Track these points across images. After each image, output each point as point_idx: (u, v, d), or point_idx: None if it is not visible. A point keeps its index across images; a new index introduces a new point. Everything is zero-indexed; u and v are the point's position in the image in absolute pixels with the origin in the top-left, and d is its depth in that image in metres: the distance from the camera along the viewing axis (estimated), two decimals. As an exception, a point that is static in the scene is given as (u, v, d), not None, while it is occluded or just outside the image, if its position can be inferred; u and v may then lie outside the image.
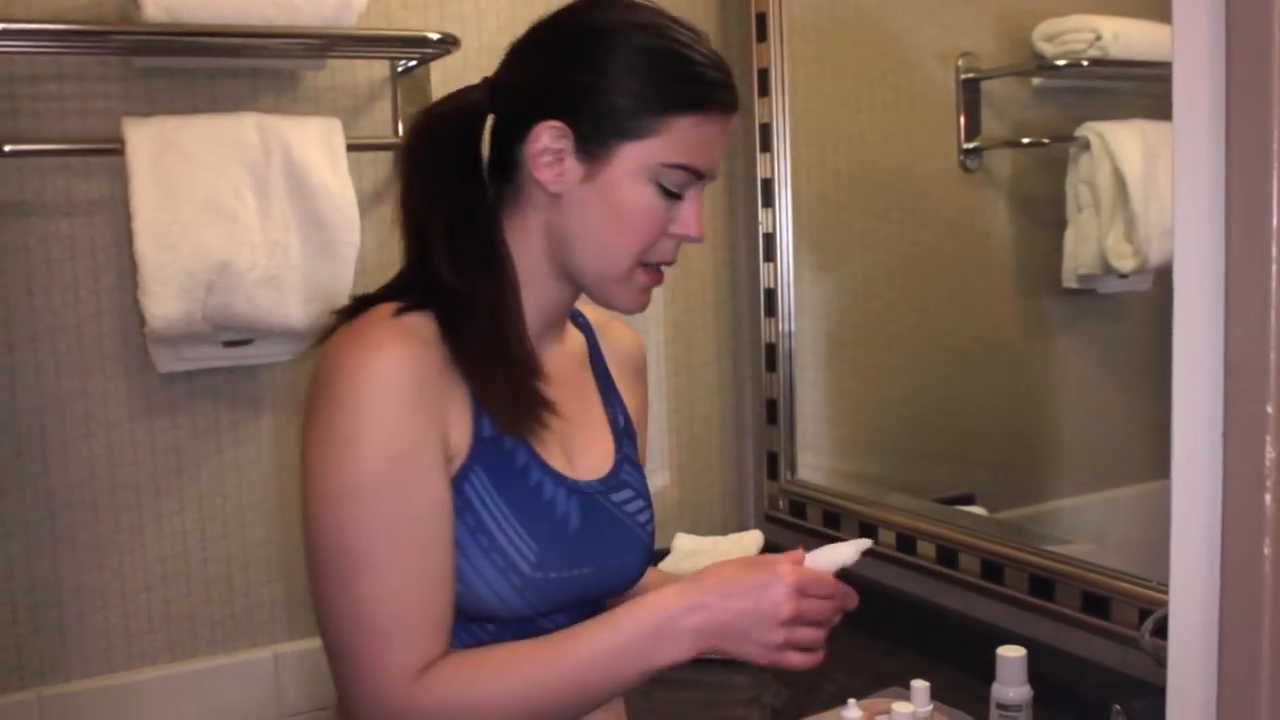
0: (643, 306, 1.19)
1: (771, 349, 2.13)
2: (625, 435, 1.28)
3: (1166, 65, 1.65)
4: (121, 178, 1.69)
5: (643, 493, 1.26)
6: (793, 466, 2.12)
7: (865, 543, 1.17)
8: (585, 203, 1.12)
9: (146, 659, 1.83)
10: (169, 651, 1.84)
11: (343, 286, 1.74)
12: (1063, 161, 1.71)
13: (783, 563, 1.09)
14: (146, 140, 1.66)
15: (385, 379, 1.03)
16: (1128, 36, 1.63)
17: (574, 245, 1.13)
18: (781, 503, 2.13)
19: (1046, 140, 1.80)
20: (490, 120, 1.17)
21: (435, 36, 1.80)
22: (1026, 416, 1.84)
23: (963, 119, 1.84)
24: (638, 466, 1.29)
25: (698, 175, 1.13)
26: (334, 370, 1.05)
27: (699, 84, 1.12)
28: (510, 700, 1.04)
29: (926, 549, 1.80)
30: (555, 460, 1.16)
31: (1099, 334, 1.80)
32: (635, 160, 1.10)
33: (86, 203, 1.75)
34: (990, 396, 1.90)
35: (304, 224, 1.72)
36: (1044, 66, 1.74)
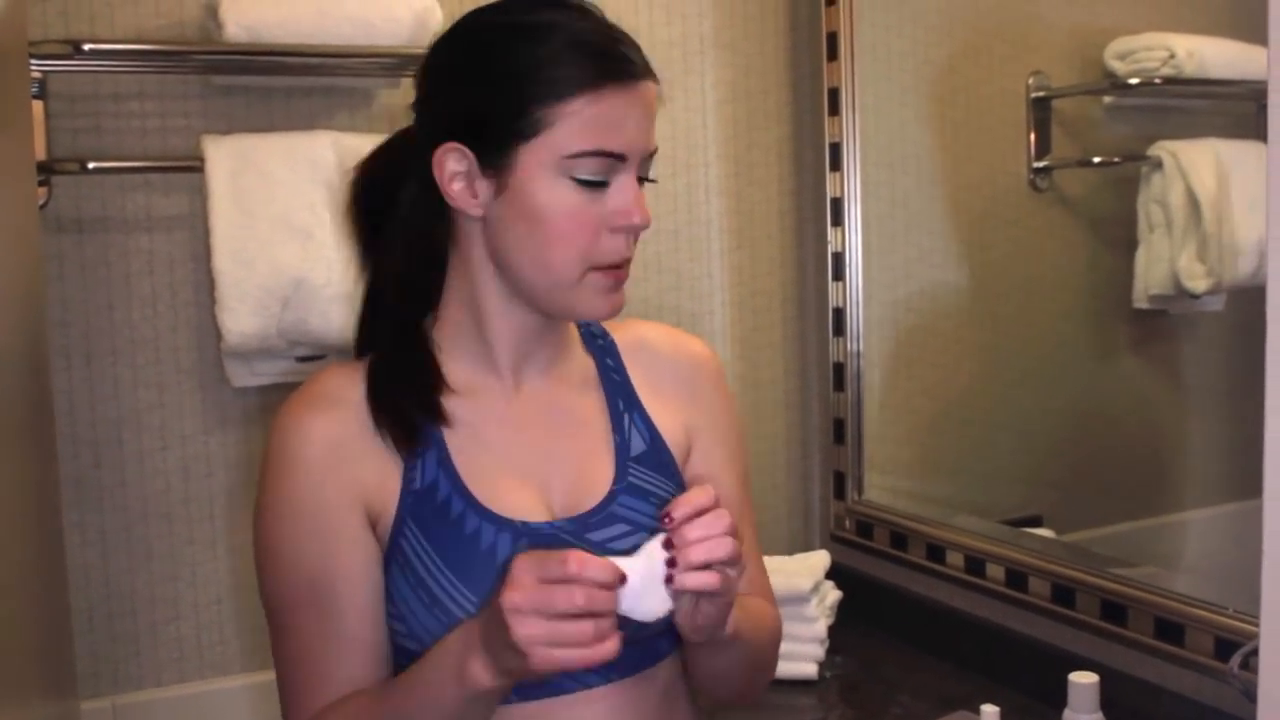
0: (616, 309, 1.11)
1: (840, 368, 2.12)
2: (641, 461, 1.17)
3: (1241, 84, 1.64)
4: (200, 194, 1.73)
5: (646, 525, 1.12)
6: (860, 486, 2.11)
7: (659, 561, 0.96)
8: (506, 219, 1.06)
9: (218, 670, 1.85)
10: (240, 663, 1.87)
11: (415, 303, 1.75)
12: (1134, 181, 1.69)
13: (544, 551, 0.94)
14: (225, 158, 1.69)
15: (291, 449, 1.07)
16: (1202, 54, 1.62)
17: (513, 264, 1.08)
18: (848, 523, 2.12)
19: (1118, 159, 1.78)
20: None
21: (508, 56, 1.82)
22: (1095, 438, 1.82)
23: (1033, 137, 1.83)
24: (648, 496, 1.15)
25: (615, 157, 1.05)
26: (267, 440, 1.11)
27: (575, 62, 1.03)
28: None
29: (995, 571, 1.79)
30: (510, 504, 1.09)
31: (1170, 355, 1.78)
32: (537, 160, 1.03)
33: (166, 219, 1.78)
34: (1059, 417, 1.88)
35: (378, 241, 1.74)
36: (1116, 85, 1.72)
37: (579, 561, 0.90)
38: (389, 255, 1.14)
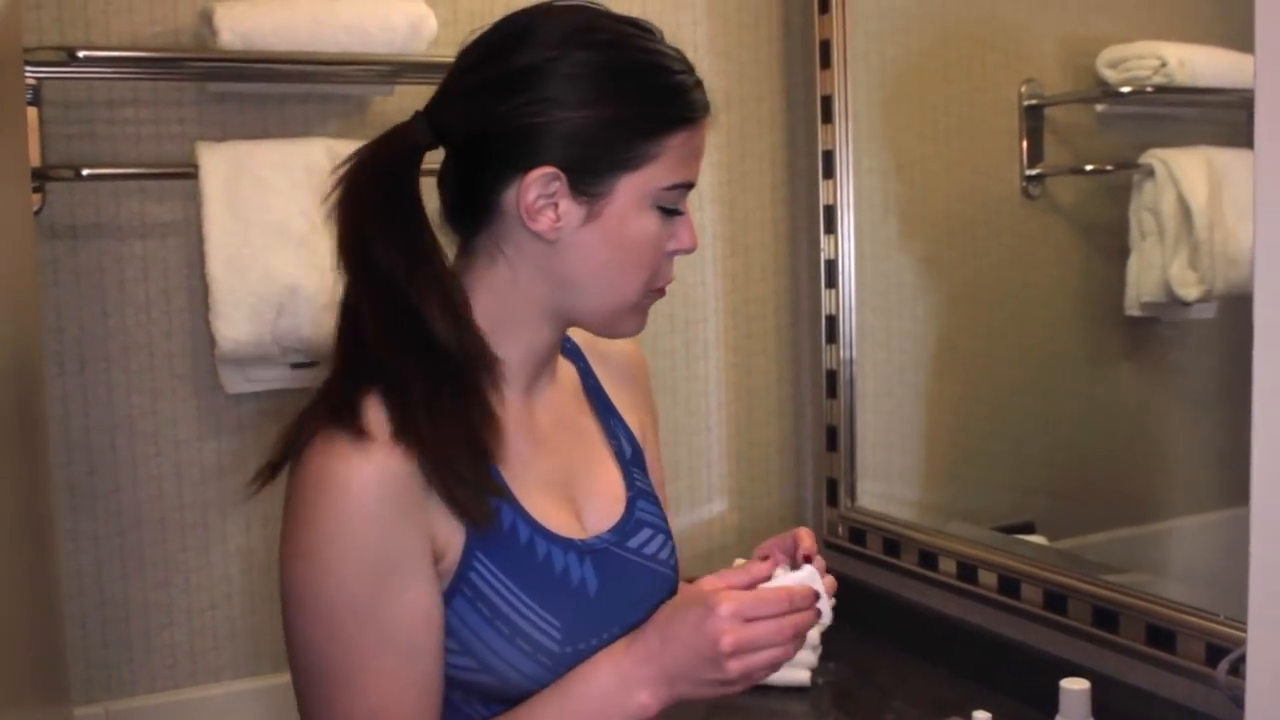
0: (644, 326, 1.13)
1: (832, 375, 2.13)
2: (634, 464, 1.22)
3: (1233, 92, 1.65)
4: (194, 201, 1.73)
5: (661, 526, 1.19)
6: (853, 493, 2.11)
7: (821, 581, 1.08)
8: (587, 244, 1.05)
9: (211, 676, 1.85)
10: (233, 669, 1.87)
11: (409, 310, 1.75)
12: (1126, 189, 1.70)
13: (720, 591, 1.02)
14: (219, 165, 1.70)
15: (353, 499, 0.97)
16: (1193, 63, 1.62)
17: (579, 286, 1.07)
18: (841, 529, 2.12)
19: (1110, 167, 1.79)
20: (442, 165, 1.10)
21: (502, 64, 1.82)
22: (1087, 445, 1.83)
23: (1025, 145, 1.84)
24: (651, 497, 1.21)
25: (691, 187, 1.08)
26: (306, 482, 0.99)
27: (684, 96, 1.05)
28: None
29: (988, 578, 1.79)
30: (560, 523, 1.09)
31: (1162, 362, 1.79)
32: (637, 189, 1.04)
33: (160, 225, 1.78)
34: (1051, 424, 1.89)
35: (372, 248, 1.75)
36: (1108, 93, 1.73)
37: (788, 597, 1.01)
38: (401, 263, 1.04)
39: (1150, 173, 1.65)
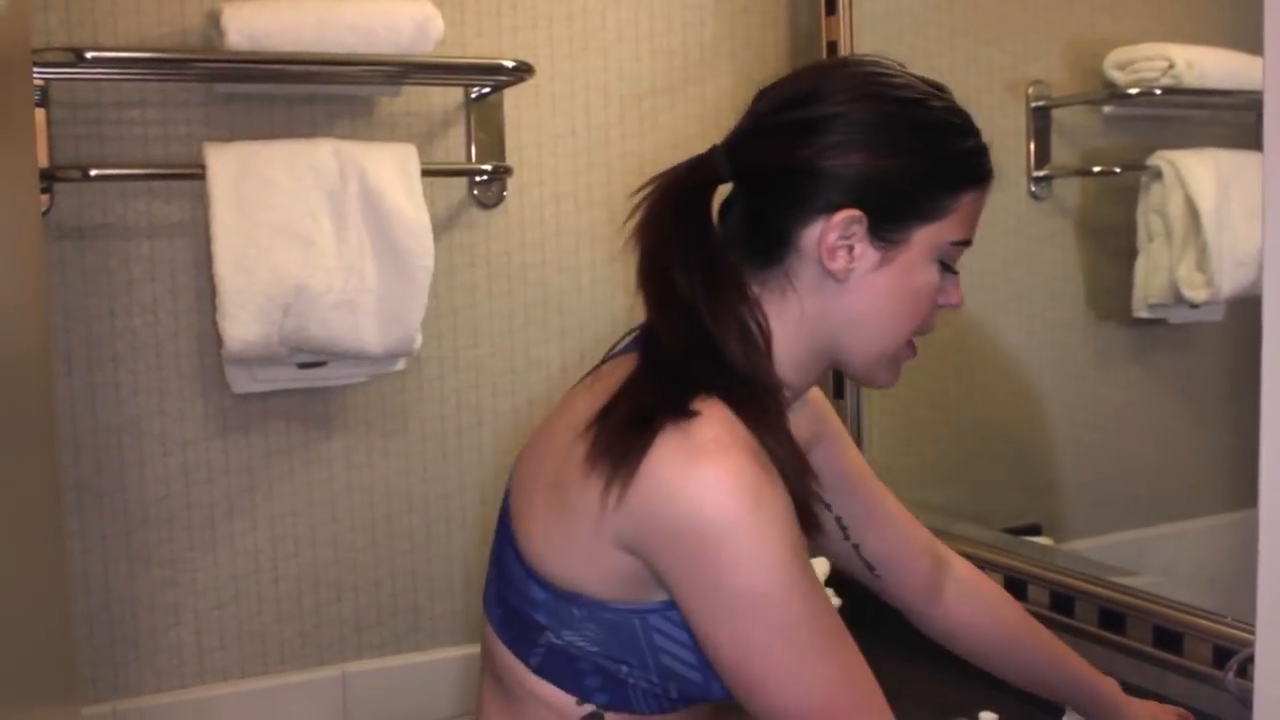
0: (897, 380, 1.16)
1: (840, 376, 2.12)
2: None
3: (1241, 94, 1.65)
4: (202, 202, 1.73)
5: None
6: (858, 494, 2.11)
7: None
8: (875, 288, 1.08)
9: (218, 675, 1.86)
10: (239, 668, 1.87)
11: (417, 310, 1.76)
12: (1134, 190, 1.70)
13: None
14: (227, 165, 1.70)
15: (769, 495, 0.98)
16: (1201, 65, 1.62)
17: (853, 329, 1.10)
18: (847, 530, 2.12)
19: (1117, 169, 1.79)
20: (735, 196, 1.13)
21: (510, 64, 1.82)
22: (1094, 446, 1.83)
23: (1033, 147, 1.83)
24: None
25: (969, 245, 1.12)
26: (719, 520, 0.97)
27: (983, 156, 1.10)
28: None
29: (994, 579, 1.78)
30: None
31: (1169, 364, 1.78)
32: (929, 242, 1.07)
33: (167, 226, 1.79)
34: (1058, 426, 1.88)
35: (379, 248, 1.75)
36: (1116, 95, 1.73)
37: None
38: (700, 290, 1.07)
39: (1158, 174, 1.65)
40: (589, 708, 1.08)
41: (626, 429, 1.00)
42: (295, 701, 1.89)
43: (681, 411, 0.99)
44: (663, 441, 0.98)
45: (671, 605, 1.04)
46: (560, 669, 1.08)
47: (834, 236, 1.06)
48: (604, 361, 1.17)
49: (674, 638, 1.06)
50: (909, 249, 1.07)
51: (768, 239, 1.10)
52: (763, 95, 1.14)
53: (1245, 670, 1.19)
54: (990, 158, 1.11)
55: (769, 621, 0.99)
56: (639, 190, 1.12)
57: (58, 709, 1.40)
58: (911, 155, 1.06)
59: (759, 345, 1.08)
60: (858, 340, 1.11)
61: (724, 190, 1.15)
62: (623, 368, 1.09)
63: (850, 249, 1.06)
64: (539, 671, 1.09)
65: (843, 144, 1.06)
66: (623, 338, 1.18)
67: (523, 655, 1.10)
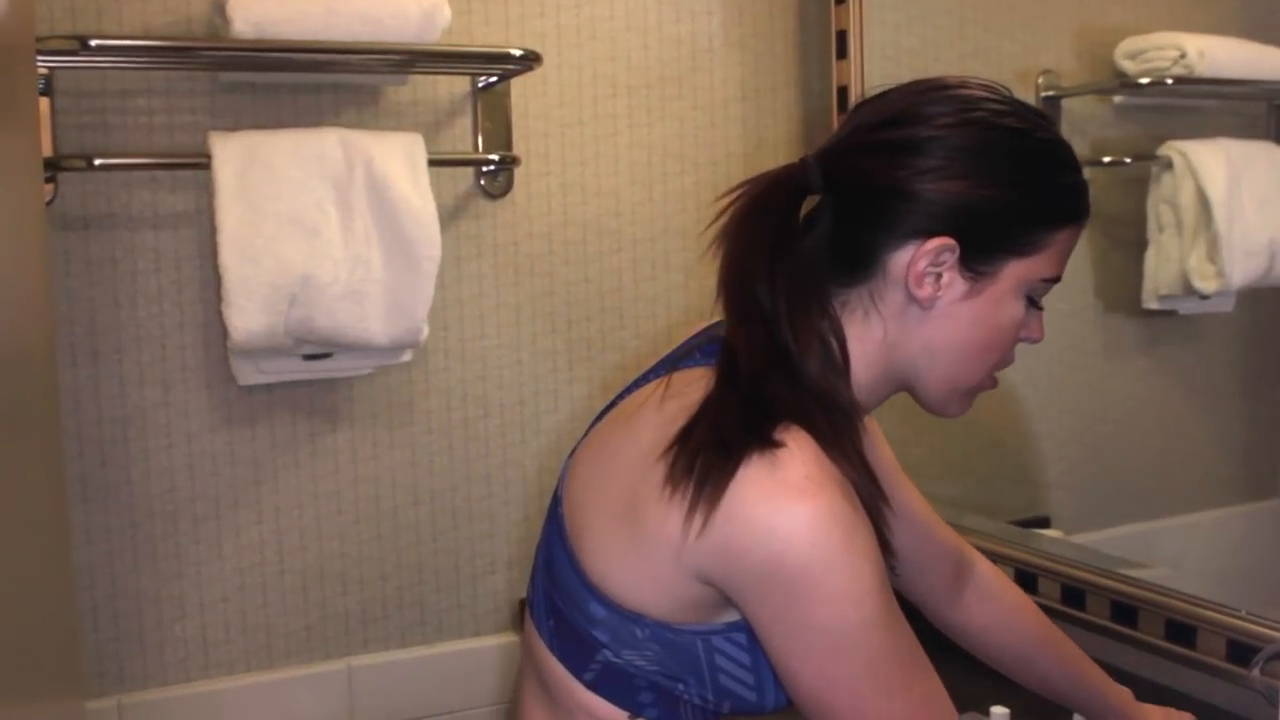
0: (966, 412, 1.15)
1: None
2: None
3: (1252, 84, 1.63)
4: (207, 191, 1.72)
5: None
6: (867, 486, 2.10)
7: None
8: (960, 317, 1.06)
9: (223, 669, 1.85)
10: (245, 662, 1.86)
11: (423, 301, 1.75)
12: (1144, 181, 1.69)
13: None
14: (232, 155, 1.69)
15: (858, 525, 0.96)
16: (1213, 54, 1.61)
17: (931, 357, 1.08)
18: (854, 523, 2.11)
19: (1128, 159, 1.78)
20: (827, 211, 1.09)
21: (518, 53, 1.81)
22: (1104, 438, 1.82)
23: (1043, 137, 1.82)
24: None
25: (1058, 282, 1.09)
26: (812, 560, 0.94)
27: (1082, 193, 1.08)
28: None
29: (1004, 572, 1.77)
30: None
31: (1179, 355, 1.78)
32: (1019, 276, 1.05)
33: (172, 216, 1.78)
34: (1068, 418, 1.88)
35: (385, 238, 1.74)
36: (1126, 84, 1.72)
37: None
38: (783, 304, 1.04)
39: (1168, 165, 1.64)
40: None
41: (708, 455, 0.97)
42: (301, 695, 1.88)
43: (766, 441, 0.96)
44: (748, 475, 0.95)
45: (735, 627, 1.03)
46: (615, 686, 1.05)
47: (924, 263, 1.04)
48: (674, 368, 1.12)
49: (735, 659, 1.04)
50: (998, 282, 1.05)
51: (854, 258, 1.07)
52: (861, 108, 1.11)
53: (1270, 666, 1.18)
54: (1087, 196, 1.08)
55: (855, 657, 0.97)
56: (726, 194, 1.09)
57: (63, 703, 1.40)
58: (1011, 187, 1.04)
59: (838, 365, 1.05)
60: (935, 369, 1.09)
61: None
62: (698, 384, 1.05)
63: (939, 277, 1.04)
64: (592, 687, 1.06)
65: (941, 169, 1.03)
66: (692, 340, 1.15)
67: (576, 670, 1.07)
